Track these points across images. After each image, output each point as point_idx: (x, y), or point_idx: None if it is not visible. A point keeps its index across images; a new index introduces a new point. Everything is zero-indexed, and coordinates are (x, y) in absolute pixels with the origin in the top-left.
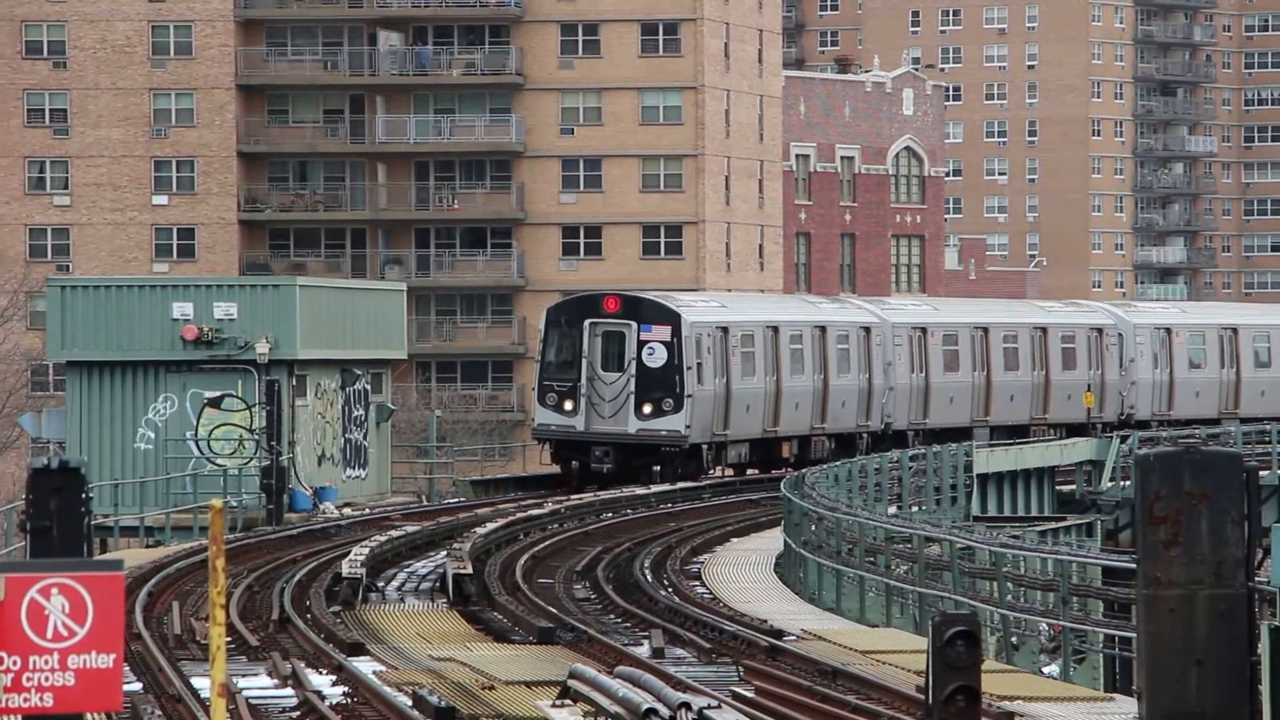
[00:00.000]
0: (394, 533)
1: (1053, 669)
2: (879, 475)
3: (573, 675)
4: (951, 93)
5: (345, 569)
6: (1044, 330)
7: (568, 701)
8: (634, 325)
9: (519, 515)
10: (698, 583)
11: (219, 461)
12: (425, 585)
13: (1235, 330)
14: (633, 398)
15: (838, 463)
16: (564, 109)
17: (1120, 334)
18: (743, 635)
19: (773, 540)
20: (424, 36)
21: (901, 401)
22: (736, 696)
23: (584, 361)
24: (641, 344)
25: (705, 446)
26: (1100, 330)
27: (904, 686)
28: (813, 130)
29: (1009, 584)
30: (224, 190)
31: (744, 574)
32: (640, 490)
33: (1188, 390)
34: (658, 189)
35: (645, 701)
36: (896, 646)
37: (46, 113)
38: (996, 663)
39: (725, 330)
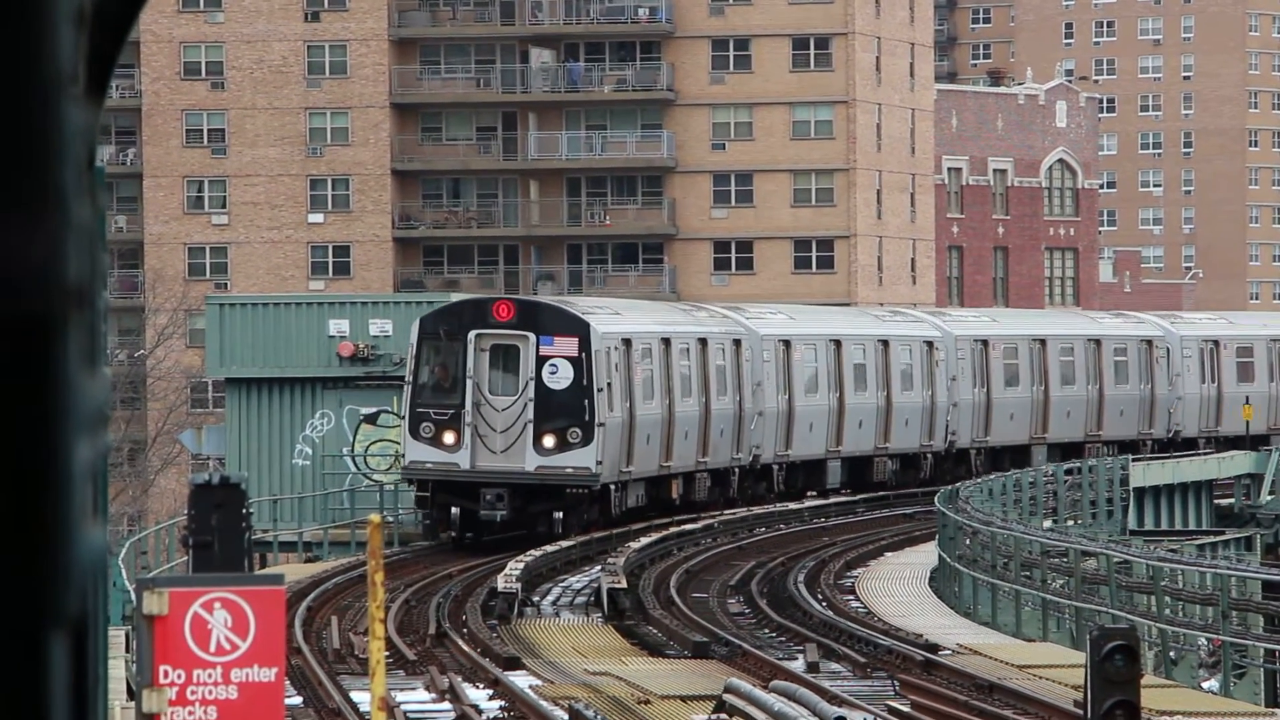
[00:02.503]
0: (549, 547)
1: (1212, 684)
2: (1034, 489)
3: (728, 689)
4: (1105, 104)
5: (501, 584)
6: (885, 343)
7: (723, 715)
8: (532, 338)
9: (673, 530)
10: (852, 597)
11: (375, 477)
12: (580, 600)
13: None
14: (531, 427)
15: (992, 476)
16: (715, 124)
17: (945, 348)
18: (898, 649)
19: (927, 554)
20: (576, 53)
21: (769, 428)
22: (892, 711)
23: (468, 383)
24: (541, 360)
25: (613, 487)
26: (930, 344)
27: (1062, 701)
28: (965, 143)
29: (1167, 598)
30: (378, 208)
31: (898, 588)
32: (794, 505)
33: (1003, 412)
34: (809, 203)
35: (801, 716)
36: (1053, 661)
37: (205, 133)
38: (1155, 678)
39: (628, 343)
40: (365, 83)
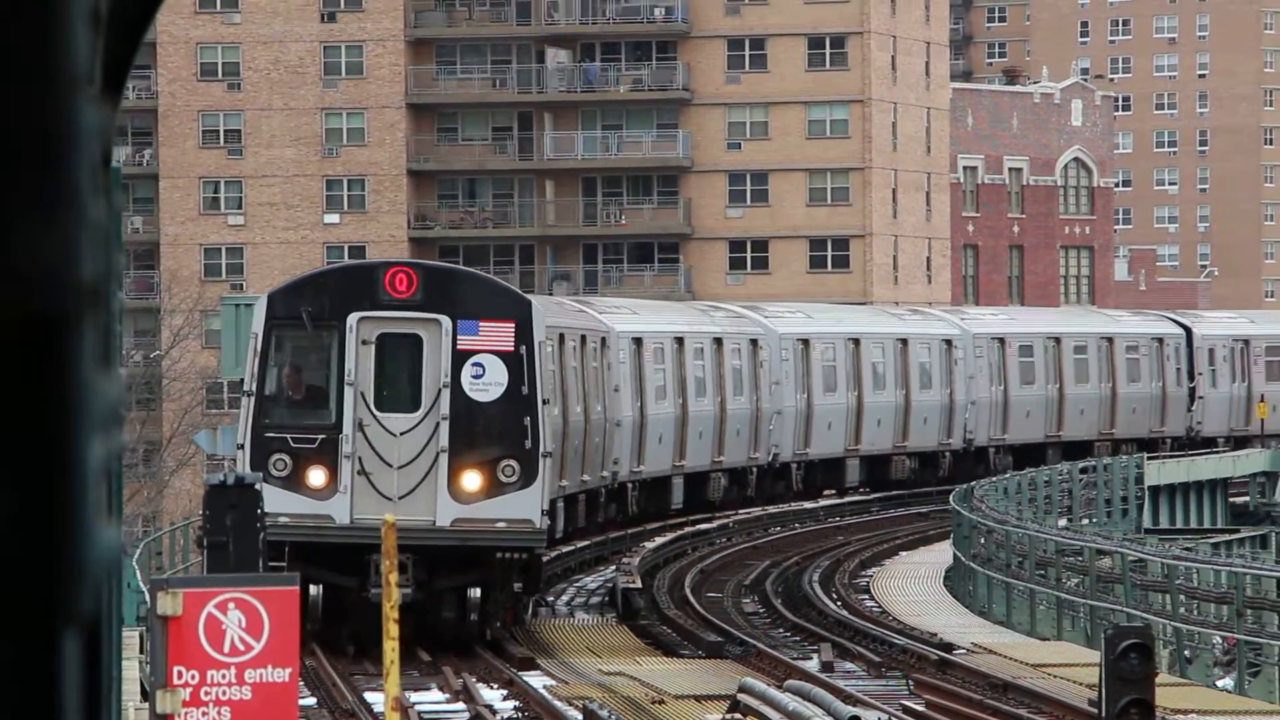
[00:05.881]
0: (563, 548)
1: (1227, 682)
2: (1049, 488)
3: (742, 689)
4: (1121, 103)
5: (515, 584)
6: (718, 341)
7: (737, 715)
8: (445, 323)
9: (687, 530)
10: (866, 596)
11: None
12: (595, 600)
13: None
14: (445, 460)
15: (1007, 475)
16: (730, 123)
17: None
18: (912, 649)
19: (941, 554)
20: (591, 53)
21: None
22: (907, 710)
23: (348, 393)
24: (460, 357)
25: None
26: (1161, 340)
27: (1076, 700)
28: (980, 142)
29: (1182, 596)
30: (394, 208)
31: (913, 587)
32: (809, 504)
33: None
34: (824, 202)
35: (815, 715)
36: (1068, 660)
37: (221, 133)
38: (1170, 676)
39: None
40: (381, 83)
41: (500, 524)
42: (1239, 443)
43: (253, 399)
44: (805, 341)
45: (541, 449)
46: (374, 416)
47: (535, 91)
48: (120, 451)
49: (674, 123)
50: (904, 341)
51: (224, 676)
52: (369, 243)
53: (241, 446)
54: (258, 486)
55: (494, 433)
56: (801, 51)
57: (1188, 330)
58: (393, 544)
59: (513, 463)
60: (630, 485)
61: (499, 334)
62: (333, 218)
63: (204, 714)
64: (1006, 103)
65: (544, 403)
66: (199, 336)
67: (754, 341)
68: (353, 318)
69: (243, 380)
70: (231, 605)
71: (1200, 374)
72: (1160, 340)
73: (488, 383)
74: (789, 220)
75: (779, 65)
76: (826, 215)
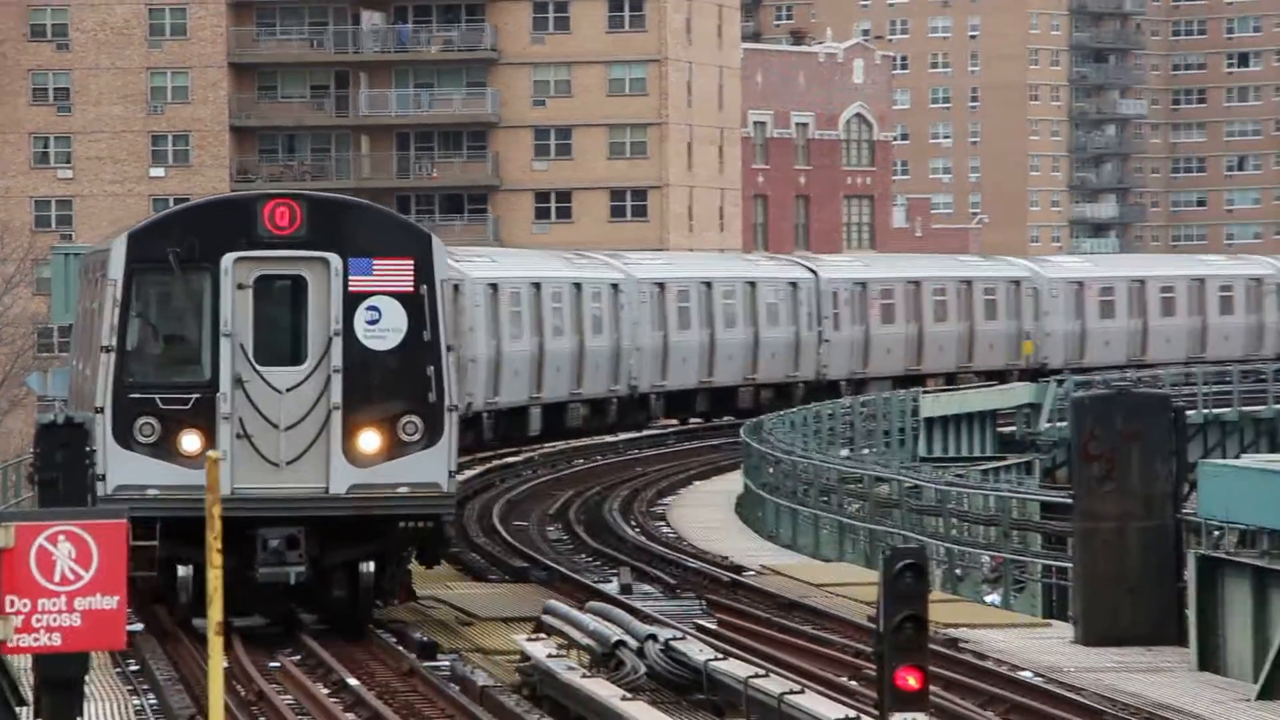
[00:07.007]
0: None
1: (994, 598)
2: (832, 420)
3: (547, 611)
4: (899, 62)
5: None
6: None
7: (542, 635)
8: (334, 261)
9: (495, 462)
10: (663, 523)
11: None
12: None
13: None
14: (338, 418)
15: (794, 409)
16: (536, 82)
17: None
18: (706, 571)
19: (733, 483)
20: (404, 15)
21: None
22: (700, 628)
23: (224, 344)
24: (352, 300)
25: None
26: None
27: (856, 617)
28: (769, 99)
29: (954, 520)
30: (217, 162)
31: (706, 514)
32: (610, 438)
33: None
34: (624, 156)
35: (615, 634)
36: (849, 580)
37: (50, 91)
38: (943, 593)
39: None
40: (204, 44)
41: (403, 488)
42: (858, 386)
43: (112, 355)
44: (494, 286)
45: (447, 402)
46: (255, 371)
47: (351, 52)
48: None
49: (482, 81)
50: (578, 286)
51: (55, 605)
52: (193, 195)
53: (100, 410)
54: (87, 426)
55: (393, 385)
56: (602, 14)
57: (815, 275)
58: (216, 479)
59: (415, 419)
60: None
61: (396, 273)
62: (158, 171)
63: (35, 639)
64: (793, 62)
65: (448, 350)
66: (30, 284)
67: (456, 287)
68: (227, 259)
69: (72, 327)
70: (62, 538)
71: (825, 318)
72: (795, 285)
73: (385, 329)
74: (591, 172)
75: (581, 27)
76: (626, 168)
